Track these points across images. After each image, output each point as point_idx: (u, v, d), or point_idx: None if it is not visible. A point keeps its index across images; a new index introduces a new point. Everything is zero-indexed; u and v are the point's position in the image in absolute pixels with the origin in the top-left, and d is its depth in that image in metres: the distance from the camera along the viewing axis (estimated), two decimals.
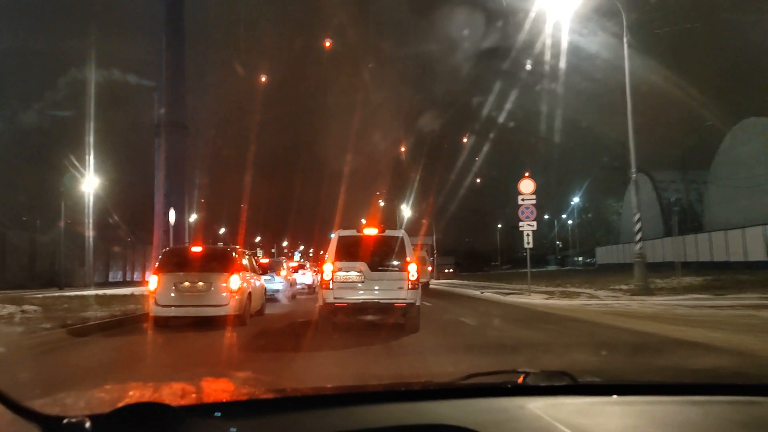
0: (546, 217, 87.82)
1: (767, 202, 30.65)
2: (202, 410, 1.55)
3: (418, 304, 10.34)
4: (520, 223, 20.70)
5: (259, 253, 58.40)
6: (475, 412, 1.62)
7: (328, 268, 10.45)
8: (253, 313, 13.50)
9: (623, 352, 8.00)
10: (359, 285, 10.20)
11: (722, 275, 23.26)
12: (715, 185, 36.96)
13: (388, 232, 10.96)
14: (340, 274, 10.34)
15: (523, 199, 20.48)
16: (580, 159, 67.18)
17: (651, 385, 2.02)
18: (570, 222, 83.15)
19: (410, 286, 10.21)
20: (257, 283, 14.33)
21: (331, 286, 10.27)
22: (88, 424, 1.33)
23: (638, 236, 18.20)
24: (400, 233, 10.99)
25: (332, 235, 11.29)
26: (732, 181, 33.39)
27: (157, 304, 11.54)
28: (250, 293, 12.77)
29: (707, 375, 2.87)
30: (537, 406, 1.65)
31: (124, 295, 18.60)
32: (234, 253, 12.81)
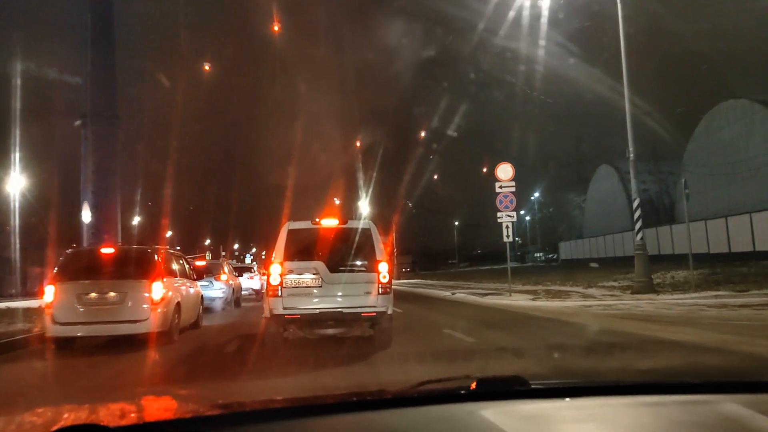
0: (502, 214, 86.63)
1: (749, 189, 29.05)
2: (143, 430, 1.49)
3: (390, 312, 8.18)
4: (499, 214, 18.30)
5: (208, 256, 55.23)
6: (426, 420, 1.58)
7: (275, 270, 8.07)
8: (186, 327, 11.05)
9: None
10: (315, 291, 8.05)
11: (716, 268, 21.26)
12: (689, 173, 35.25)
13: (352, 224, 8.67)
14: (291, 278, 8.03)
15: (501, 187, 18.05)
16: (540, 153, 65.65)
17: (601, 386, 1.90)
18: (528, 218, 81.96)
19: (381, 291, 8.10)
20: (191, 291, 11.69)
21: (279, 293, 7.97)
22: None
23: (638, 225, 15.92)
24: (367, 224, 8.67)
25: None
26: (708, 169, 31.81)
27: (55, 321, 9.00)
28: (178, 303, 10.16)
29: (656, 374, 2.64)
30: (488, 412, 1.57)
31: (27, 309, 15.29)
32: (156, 255, 9.90)
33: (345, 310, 7.90)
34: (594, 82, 31.78)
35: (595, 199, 53.68)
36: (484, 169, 76.48)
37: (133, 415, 1.75)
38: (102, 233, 27.03)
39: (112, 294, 9.05)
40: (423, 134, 65.74)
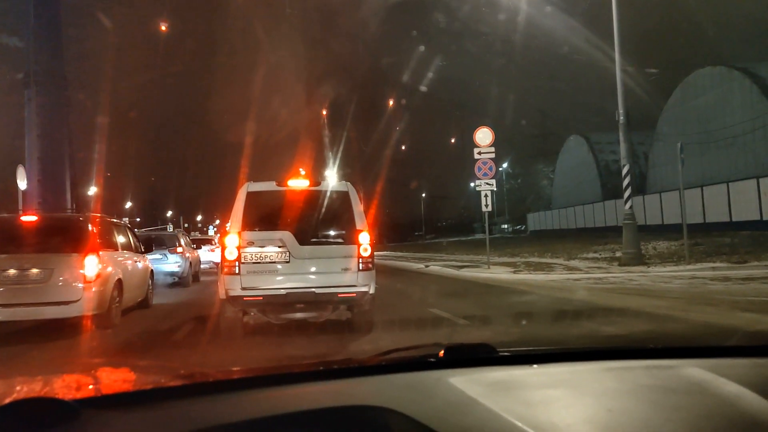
0: (472, 184, 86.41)
1: (725, 159, 28.48)
2: (101, 402, 1.35)
3: (372, 292, 6.93)
4: (477, 182, 17.22)
5: (170, 227, 53.29)
6: (393, 388, 1.54)
7: (231, 241, 6.74)
8: (133, 307, 9.78)
9: None
10: (281, 267, 6.76)
11: (695, 239, 20.54)
12: (661, 143, 34.59)
13: (326, 186, 7.36)
14: (252, 251, 6.70)
15: (480, 153, 16.87)
16: (509, 124, 64.88)
17: (568, 353, 1.91)
18: (495, 189, 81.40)
19: (362, 266, 6.84)
20: (139, 265, 10.38)
21: (237, 270, 6.65)
22: None
23: (627, 192, 14.95)
24: (344, 186, 7.33)
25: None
26: (682, 138, 31.09)
27: None
28: (119, 281, 8.75)
29: (621, 340, 2.72)
30: (456, 379, 1.55)
31: None
32: (90, 224, 8.41)
33: (318, 291, 6.61)
34: (572, 36, 30.62)
35: (564, 170, 53.07)
36: (452, 140, 75.81)
37: (90, 387, 1.70)
38: (50, 204, 25.04)
39: (35, 270, 7.61)
40: (391, 102, 64.43)
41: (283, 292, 6.57)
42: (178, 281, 15.40)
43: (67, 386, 1.68)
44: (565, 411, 1.40)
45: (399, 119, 58.46)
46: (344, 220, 6.92)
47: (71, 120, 33.08)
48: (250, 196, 6.83)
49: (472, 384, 1.50)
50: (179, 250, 15.80)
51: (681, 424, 1.32)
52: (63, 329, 7.61)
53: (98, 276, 7.86)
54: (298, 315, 6.71)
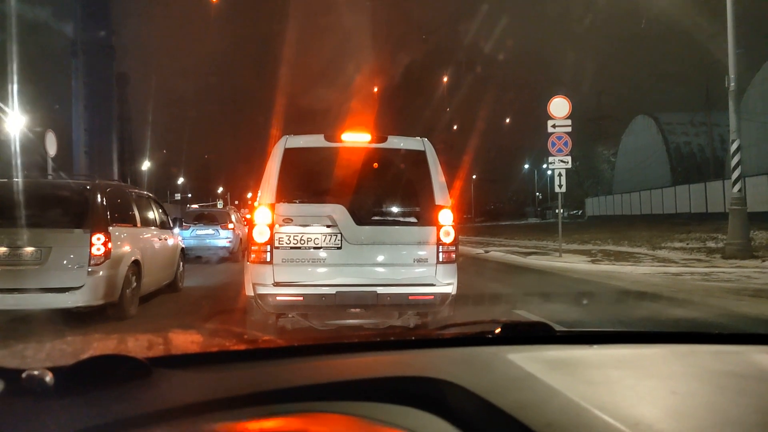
0: (526, 166, 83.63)
1: None
2: (170, 362, 1.38)
3: (454, 293, 5.10)
4: (550, 159, 15.17)
5: (220, 204, 52.79)
6: (449, 362, 1.52)
7: (261, 217, 4.90)
8: (159, 290, 8.60)
9: None
10: (330, 256, 4.93)
11: None
12: (744, 123, 31.51)
13: (394, 142, 5.28)
14: (289, 232, 4.88)
15: (554, 125, 14.78)
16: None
17: (630, 334, 1.91)
18: (549, 172, 78.39)
19: (442, 257, 5.01)
20: (169, 243, 9.20)
21: (268, 258, 4.84)
22: (49, 377, 1.14)
23: (735, 173, 12.70)
24: (420, 144, 5.28)
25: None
26: None
27: None
28: (136, 262, 7.27)
29: (687, 324, 2.57)
30: (514, 357, 1.50)
31: None
32: (100, 194, 6.85)
33: (381, 290, 4.80)
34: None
35: (628, 153, 50.07)
36: (507, 120, 73.14)
37: (160, 346, 1.74)
38: (96, 178, 24.23)
39: (29, 249, 6.16)
40: (444, 82, 62.35)
41: (331, 290, 4.78)
42: (228, 256, 15.82)
43: (139, 345, 1.72)
44: (629, 391, 1.32)
45: (451, 100, 56.47)
46: (419, 192, 5.09)
47: (131, 97, 32.37)
48: (289, 154, 5.00)
49: (530, 361, 1.45)
50: (230, 226, 16.26)
51: (748, 409, 1.22)
52: (60, 321, 6.15)
53: (108, 256, 6.38)
54: (352, 321, 4.96)
